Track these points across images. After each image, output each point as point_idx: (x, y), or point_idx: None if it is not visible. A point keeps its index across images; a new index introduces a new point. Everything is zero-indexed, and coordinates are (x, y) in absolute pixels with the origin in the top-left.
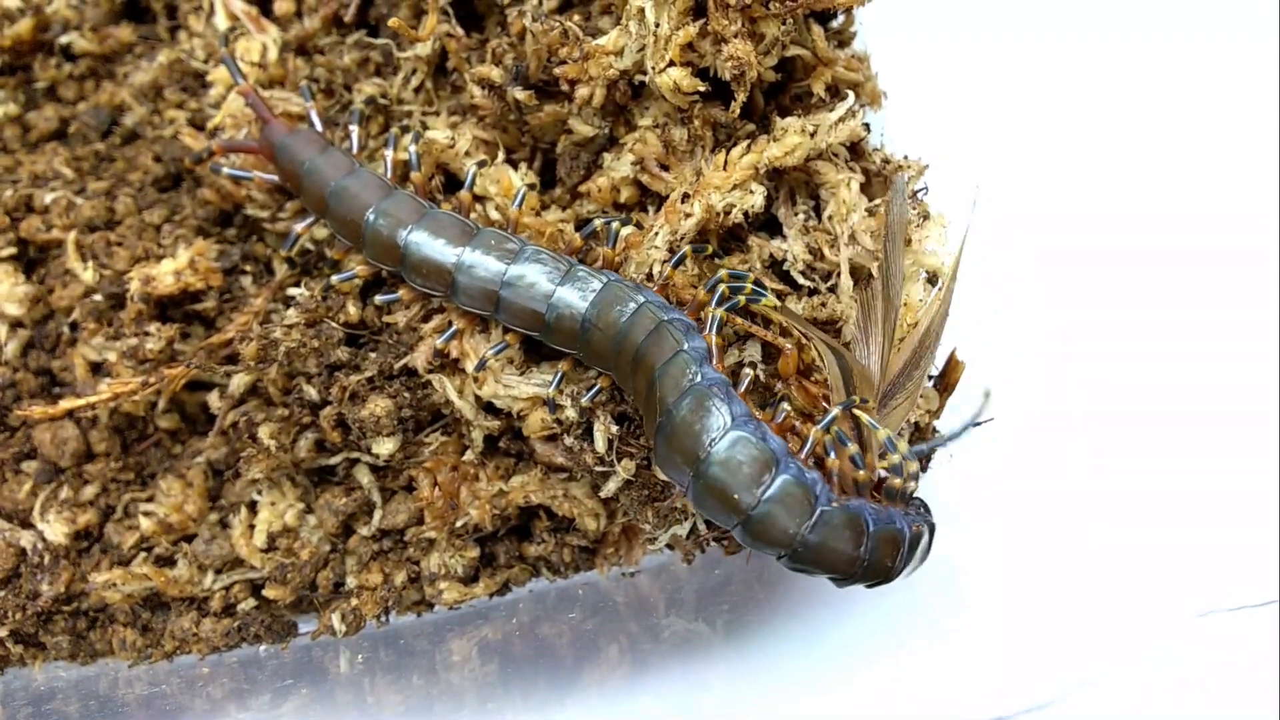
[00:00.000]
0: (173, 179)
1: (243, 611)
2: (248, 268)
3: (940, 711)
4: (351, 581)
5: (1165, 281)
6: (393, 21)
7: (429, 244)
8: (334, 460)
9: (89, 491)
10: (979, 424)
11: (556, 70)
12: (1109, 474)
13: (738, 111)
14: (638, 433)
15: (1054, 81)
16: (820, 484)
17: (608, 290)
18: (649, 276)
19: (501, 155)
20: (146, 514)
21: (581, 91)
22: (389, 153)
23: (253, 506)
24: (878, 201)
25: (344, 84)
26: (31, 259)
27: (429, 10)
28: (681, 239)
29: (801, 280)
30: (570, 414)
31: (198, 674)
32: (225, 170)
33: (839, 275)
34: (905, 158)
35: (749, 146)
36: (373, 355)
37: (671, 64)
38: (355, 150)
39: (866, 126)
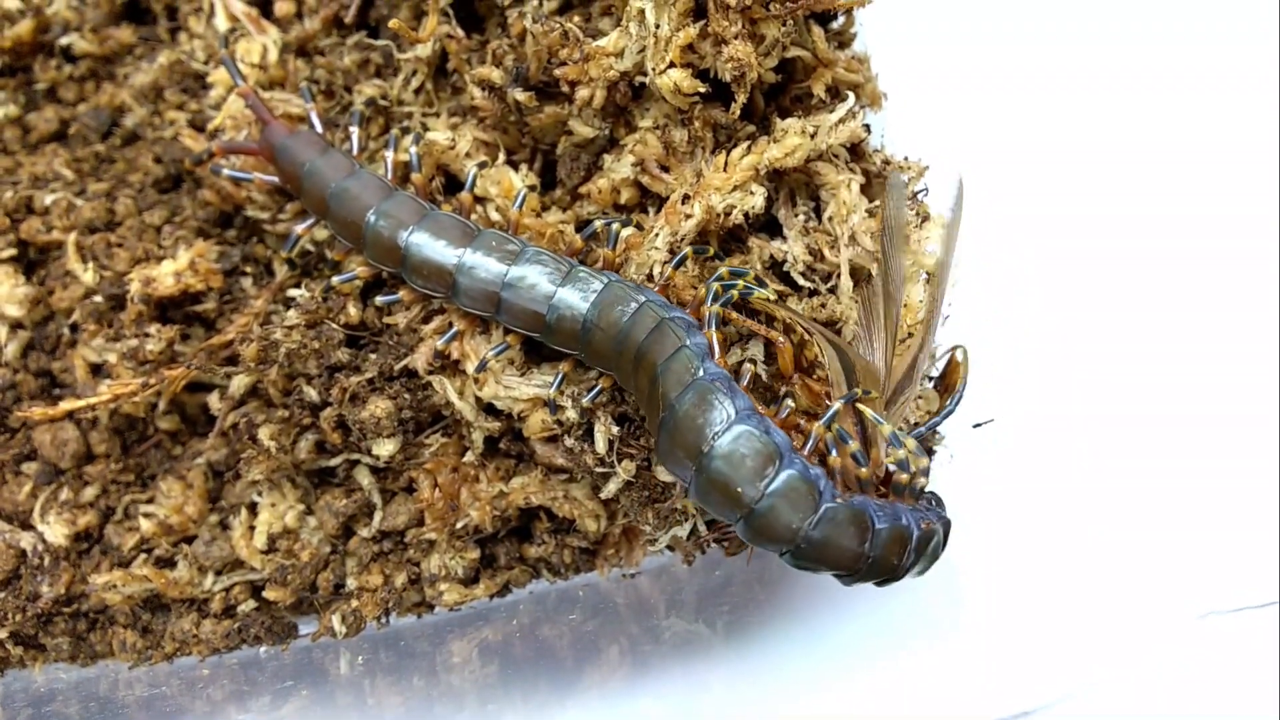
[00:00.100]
0: (173, 180)
1: (243, 613)
2: (248, 269)
3: (940, 713)
4: (352, 583)
5: (1165, 282)
6: (393, 23)
7: (430, 245)
8: (334, 462)
9: (89, 493)
10: (963, 395)
11: (557, 71)
12: (1109, 475)
13: (738, 113)
14: (638, 434)
15: (1054, 82)
16: (824, 480)
17: (609, 291)
18: (649, 277)
19: (502, 157)
20: (147, 515)
21: (582, 93)
22: (389, 154)
23: (253, 508)
24: (878, 202)
25: (344, 85)
26: (32, 260)
27: (429, 11)
28: (682, 240)
29: (802, 281)
30: (571, 415)
31: (198, 675)
32: (226, 172)
33: (839, 276)
34: (905, 159)
35: (749, 148)
36: (373, 356)
37: (672, 65)
38: (355, 152)
39: (867, 128)
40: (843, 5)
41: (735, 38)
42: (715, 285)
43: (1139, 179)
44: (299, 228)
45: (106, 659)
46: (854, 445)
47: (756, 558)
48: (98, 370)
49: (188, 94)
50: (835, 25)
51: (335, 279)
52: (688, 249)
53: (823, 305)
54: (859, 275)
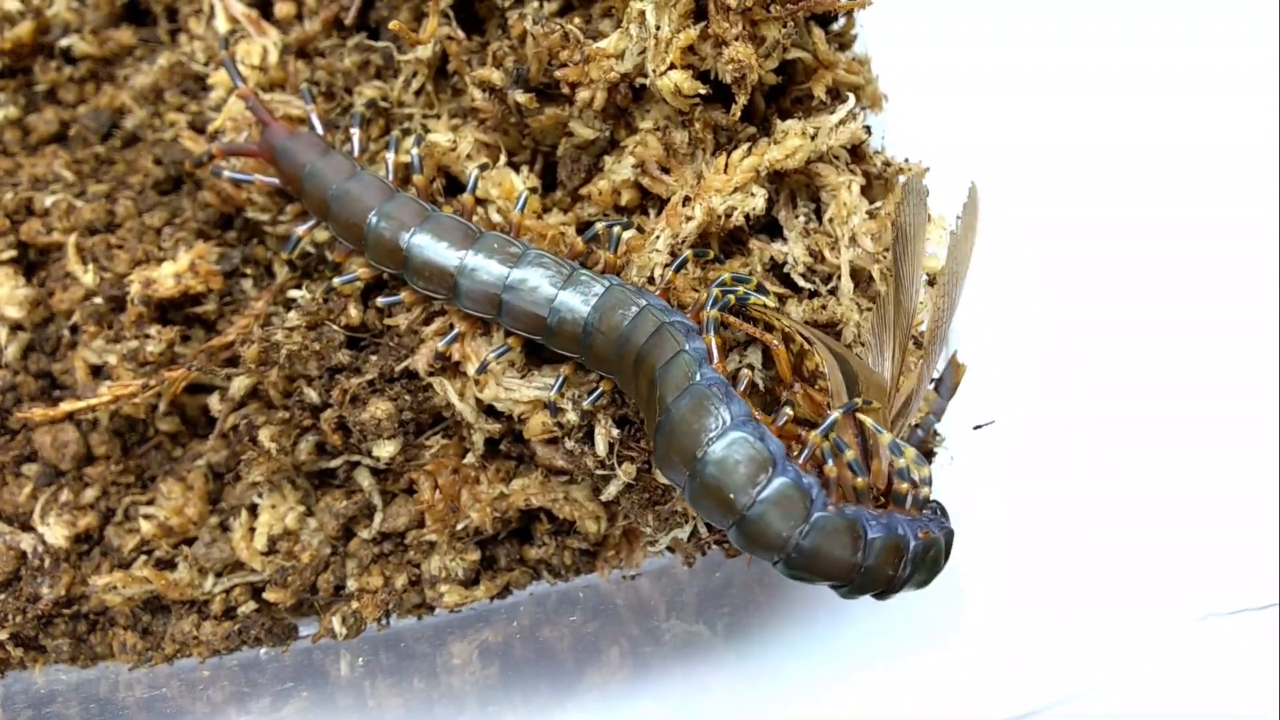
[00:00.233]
0: (173, 182)
1: (243, 614)
2: (248, 270)
3: (940, 714)
4: (352, 584)
5: (1165, 282)
6: (393, 24)
7: (431, 247)
8: (335, 463)
9: (89, 494)
10: (953, 393)
11: (557, 73)
12: (1109, 476)
13: (738, 114)
14: (638, 436)
15: (1054, 82)
16: (817, 488)
17: (610, 294)
18: (650, 280)
19: (503, 158)
20: (147, 517)
21: (582, 94)
22: (390, 155)
23: (253, 509)
24: (878, 204)
25: (345, 87)
26: (32, 262)
27: (430, 13)
28: (683, 242)
29: (802, 283)
30: (571, 417)
31: (198, 677)
32: (226, 174)
33: (839, 278)
34: (906, 160)
35: (750, 149)
36: (374, 358)
37: (672, 67)
38: (356, 153)
39: (867, 129)
40: (843, 7)
41: (736, 39)
42: (716, 290)
43: (1139, 179)
44: (300, 229)
45: (107, 660)
46: (849, 454)
47: (757, 559)
48: (98, 372)
49: (188, 96)
50: (836, 27)
51: (337, 280)
52: (688, 252)
53: (823, 306)
54: (859, 277)
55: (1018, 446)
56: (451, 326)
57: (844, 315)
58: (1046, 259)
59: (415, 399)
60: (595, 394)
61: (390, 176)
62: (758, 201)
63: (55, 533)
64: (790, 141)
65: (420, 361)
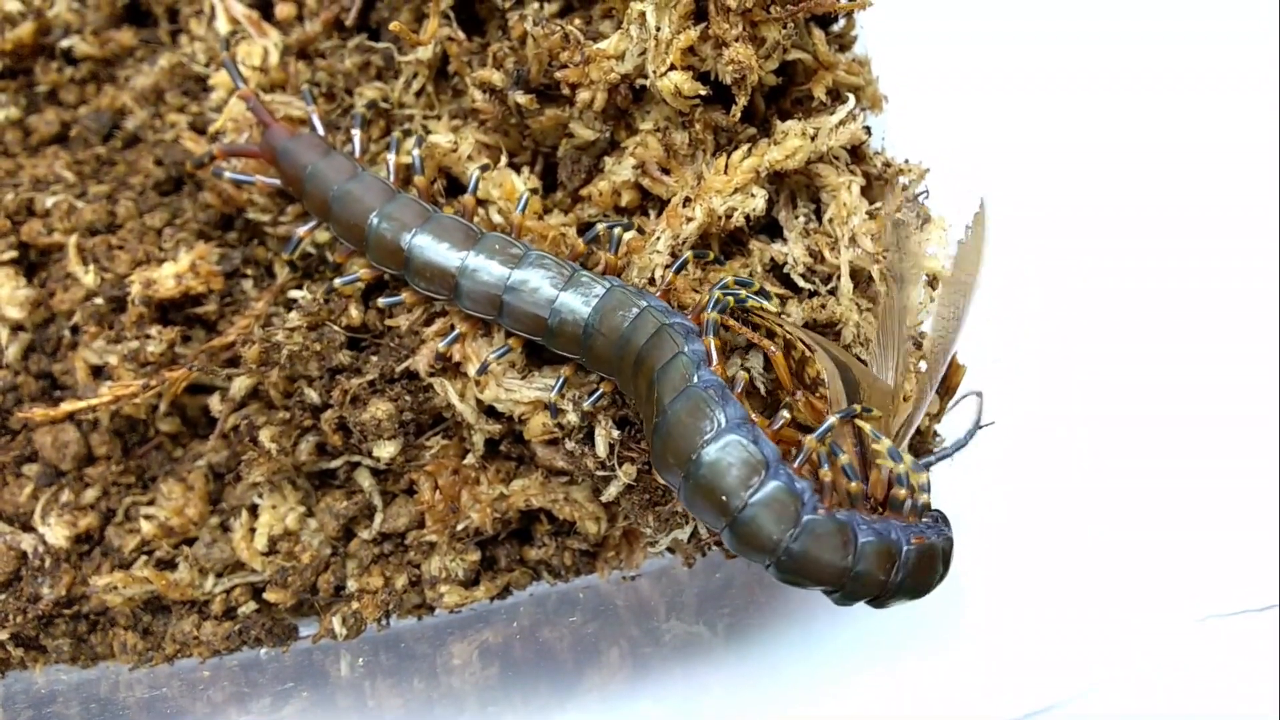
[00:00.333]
0: (174, 183)
1: (243, 615)
2: (249, 271)
3: (941, 715)
4: (352, 585)
5: (1165, 282)
6: (394, 25)
7: (433, 248)
8: (335, 463)
9: (90, 495)
10: (980, 427)
11: (557, 74)
12: (1109, 476)
13: (739, 115)
14: (639, 437)
15: (1054, 82)
16: (809, 492)
17: (610, 296)
18: (651, 281)
19: (504, 159)
20: (147, 517)
21: (582, 95)
22: (391, 156)
23: (254, 510)
24: (878, 204)
25: (345, 88)
26: (33, 263)
27: (430, 14)
28: (683, 243)
29: (802, 283)
30: (571, 418)
31: (198, 677)
32: (227, 174)
33: (839, 278)
34: (906, 161)
35: (750, 150)
36: (374, 358)
37: (672, 68)
38: (357, 154)
39: (867, 130)
40: (843, 8)
41: (736, 40)
42: (717, 293)
43: (1139, 179)
44: (300, 230)
45: (107, 660)
46: (844, 459)
47: None
48: (98, 372)
49: (189, 96)
50: (836, 28)
51: (338, 281)
52: (689, 253)
53: (823, 306)
54: (859, 277)
55: (1018, 446)
56: (452, 327)
57: (843, 315)
58: (1046, 259)
59: (416, 400)
60: (595, 395)
61: (391, 177)
62: (758, 202)
63: (56, 533)
64: (790, 142)
65: (421, 362)
